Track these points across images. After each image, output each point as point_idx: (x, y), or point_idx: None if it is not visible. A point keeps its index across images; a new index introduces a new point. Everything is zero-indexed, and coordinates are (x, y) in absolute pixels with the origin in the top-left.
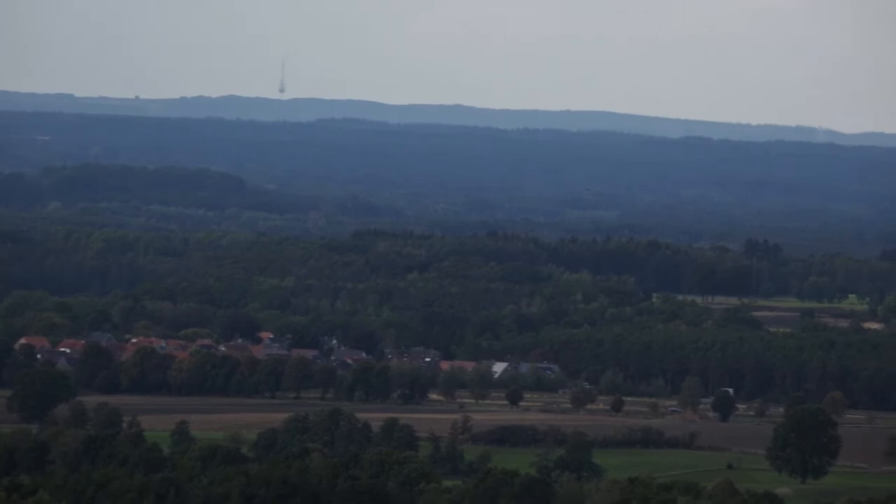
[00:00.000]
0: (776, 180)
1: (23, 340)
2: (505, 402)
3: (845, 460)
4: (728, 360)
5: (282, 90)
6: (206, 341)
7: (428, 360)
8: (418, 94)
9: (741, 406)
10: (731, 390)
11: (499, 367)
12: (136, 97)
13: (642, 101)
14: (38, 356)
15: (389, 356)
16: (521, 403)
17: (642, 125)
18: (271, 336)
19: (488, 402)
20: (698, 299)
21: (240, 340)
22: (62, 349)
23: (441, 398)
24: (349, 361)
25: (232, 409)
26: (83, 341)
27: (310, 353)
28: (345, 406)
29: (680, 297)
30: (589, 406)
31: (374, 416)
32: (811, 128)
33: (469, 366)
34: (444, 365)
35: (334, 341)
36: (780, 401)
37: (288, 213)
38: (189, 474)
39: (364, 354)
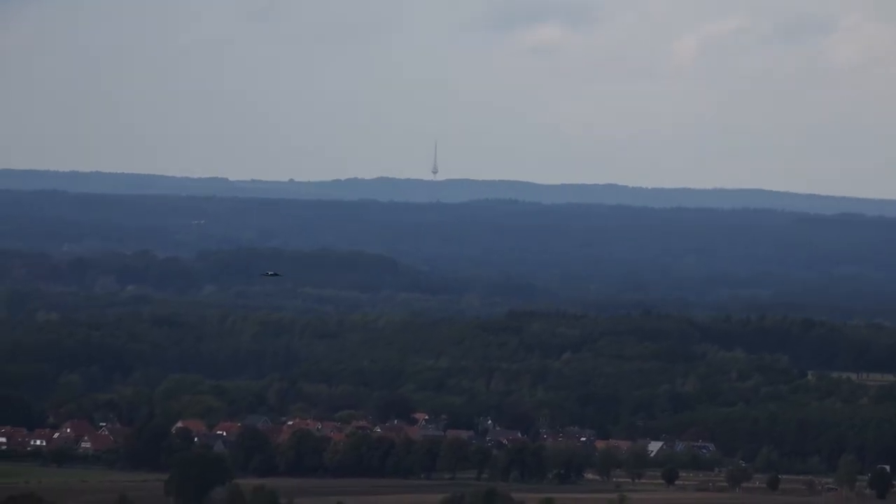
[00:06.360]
0: None
1: (179, 424)
2: (661, 480)
3: None
4: (885, 437)
5: (434, 171)
6: (362, 423)
7: (583, 439)
8: (571, 173)
9: None
10: (888, 467)
11: (654, 446)
12: (290, 180)
13: (795, 178)
14: (195, 439)
15: (545, 436)
16: (676, 482)
17: (796, 203)
18: (426, 417)
19: (644, 481)
20: (853, 376)
21: (395, 422)
22: (219, 432)
23: (597, 477)
24: (504, 442)
25: (388, 491)
26: (239, 424)
27: (465, 434)
28: (500, 486)
29: (834, 375)
30: (745, 484)
31: (530, 497)
32: None
33: (624, 445)
34: (600, 444)
35: (489, 422)
36: None
37: (442, 294)
38: None
39: (519, 434)
